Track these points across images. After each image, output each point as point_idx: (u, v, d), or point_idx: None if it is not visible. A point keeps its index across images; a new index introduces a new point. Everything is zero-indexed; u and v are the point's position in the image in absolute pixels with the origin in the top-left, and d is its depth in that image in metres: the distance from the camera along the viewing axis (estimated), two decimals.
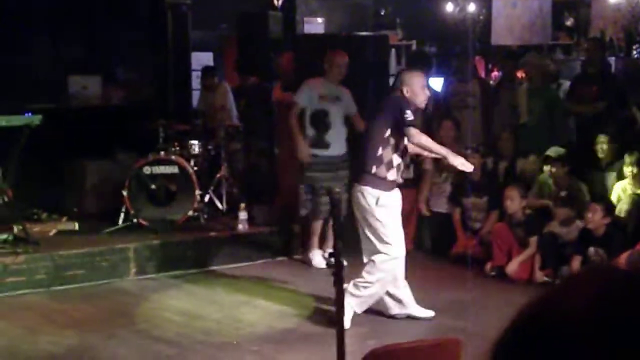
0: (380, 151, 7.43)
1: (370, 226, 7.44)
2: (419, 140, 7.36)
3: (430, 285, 8.98)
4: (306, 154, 9.51)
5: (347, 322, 7.29)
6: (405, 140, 7.44)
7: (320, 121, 9.54)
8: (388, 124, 7.39)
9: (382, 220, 7.43)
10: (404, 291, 7.79)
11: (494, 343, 1.17)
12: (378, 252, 7.42)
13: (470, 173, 9.96)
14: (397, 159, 7.49)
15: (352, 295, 7.41)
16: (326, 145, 9.56)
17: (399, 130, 7.32)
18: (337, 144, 9.58)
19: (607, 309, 1.09)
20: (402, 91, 7.50)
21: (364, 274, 7.48)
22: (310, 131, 9.57)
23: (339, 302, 4.52)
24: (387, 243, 7.42)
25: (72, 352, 7.00)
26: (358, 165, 7.71)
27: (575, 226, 9.08)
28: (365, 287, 7.49)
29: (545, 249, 9.05)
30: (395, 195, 7.59)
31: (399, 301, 7.80)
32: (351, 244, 7.14)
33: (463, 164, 7.43)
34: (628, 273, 1.18)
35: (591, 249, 8.68)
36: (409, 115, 7.26)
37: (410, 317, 7.82)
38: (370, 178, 7.44)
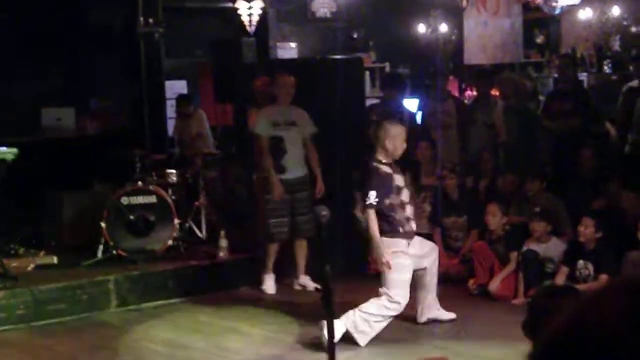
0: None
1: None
2: (367, 223, 7.73)
3: (413, 305, 8.95)
4: (278, 193, 9.55)
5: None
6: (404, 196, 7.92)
7: (277, 147, 9.57)
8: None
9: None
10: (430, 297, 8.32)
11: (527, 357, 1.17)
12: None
13: (449, 193, 10.00)
14: (400, 214, 7.85)
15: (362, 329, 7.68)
16: (282, 170, 9.58)
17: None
18: (293, 167, 9.61)
19: (637, 315, 1.11)
20: (384, 147, 7.84)
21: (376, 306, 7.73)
22: (268, 158, 9.60)
23: (330, 328, 4.49)
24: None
25: None
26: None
27: (552, 242, 9.08)
28: (376, 322, 7.74)
29: (528, 267, 9.03)
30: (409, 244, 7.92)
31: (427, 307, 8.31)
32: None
33: (382, 264, 7.71)
34: None
35: (580, 262, 8.67)
36: (371, 197, 7.65)
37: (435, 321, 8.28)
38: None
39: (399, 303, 7.68)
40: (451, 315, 8.36)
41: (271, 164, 9.53)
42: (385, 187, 7.77)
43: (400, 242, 7.79)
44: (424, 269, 8.16)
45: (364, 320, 7.62)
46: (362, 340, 7.61)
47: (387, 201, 7.77)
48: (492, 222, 9.34)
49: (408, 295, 7.77)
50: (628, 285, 1.21)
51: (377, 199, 7.67)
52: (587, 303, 1.18)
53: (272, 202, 9.61)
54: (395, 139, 7.84)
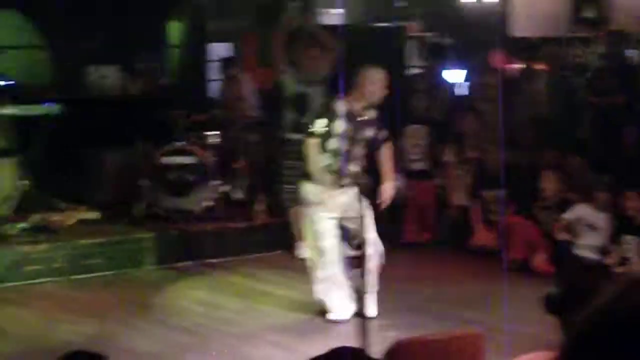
0: None
1: None
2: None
3: (448, 278, 8.97)
4: None
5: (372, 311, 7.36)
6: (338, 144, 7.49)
7: (302, 103, 9.56)
8: None
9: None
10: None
11: (566, 339, 1.17)
12: None
13: (490, 166, 9.93)
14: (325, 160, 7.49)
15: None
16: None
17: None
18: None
19: None
20: (362, 90, 7.59)
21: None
22: (290, 115, 9.56)
23: (364, 293, 4.50)
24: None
25: (91, 341, 6.97)
26: None
27: (605, 216, 8.97)
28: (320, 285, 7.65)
29: (561, 257, 8.97)
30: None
31: None
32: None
33: None
34: None
35: (627, 237, 8.61)
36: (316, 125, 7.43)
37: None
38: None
39: (318, 256, 7.51)
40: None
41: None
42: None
43: (315, 189, 7.50)
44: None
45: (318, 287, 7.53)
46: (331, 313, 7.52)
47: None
48: (547, 189, 9.26)
49: (328, 245, 7.51)
50: None
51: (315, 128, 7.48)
52: (636, 284, 1.17)
53: (287, 167, 9.61)
54: (375, 84, 7.59)
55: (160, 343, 7.09)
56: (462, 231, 10.18)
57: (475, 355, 4.57)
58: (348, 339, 6.92)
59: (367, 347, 4.66)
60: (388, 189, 7.63)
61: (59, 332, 7.33)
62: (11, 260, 8.78)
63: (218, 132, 10.87)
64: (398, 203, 10.10)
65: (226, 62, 12.57)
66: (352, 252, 8.28)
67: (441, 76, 11.25)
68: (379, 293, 7.55)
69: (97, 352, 3.39)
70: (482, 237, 9.86)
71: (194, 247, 9.68)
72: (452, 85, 11.40)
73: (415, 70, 12.44)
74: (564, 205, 9.28)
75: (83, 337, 7.15)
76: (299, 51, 9.72)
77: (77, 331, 7.34)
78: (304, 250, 9.69)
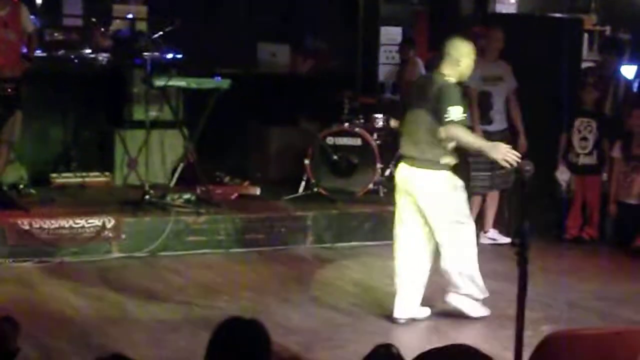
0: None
1: None
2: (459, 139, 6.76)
3: (610, 277, 8.76)
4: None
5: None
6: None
7: (484, 102, 9.55)
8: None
9: None
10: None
11: None
12: None
13: None
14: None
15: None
16: (489, 121, 9.57)
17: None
18: (498, 120, 9.64)
19: None
20: (457, 64, 6.90)
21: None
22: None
23: (522, 285, 4.42)
24: None
25: (246, 312, 7.00)
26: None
27: None
28: None
29: None
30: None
31: None
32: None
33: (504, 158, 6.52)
34: None
35: None
36: (457, 112, 6.66)
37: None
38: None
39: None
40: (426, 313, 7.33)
41: (478, 116, 9.45)
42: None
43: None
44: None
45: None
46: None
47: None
48: None
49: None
50: None
51: (465, 115, 6.78)
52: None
53: (473, 155, 9.49)
54: (469, 56, 6.98)
55: (314, 320, 7.14)
56: (626, 230, 9.90)
57: (636, 354, 4.43)
58: (501, 328, 6.86)
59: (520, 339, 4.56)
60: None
61: (216, 302, 7.47)
62: (174, 230, 8.99)
63: (384, 116, 10.87)
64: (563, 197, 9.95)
65: (403, 45, 12.58)
66: None
67: (615, 71, 10.94)
68: (535, 287, 7.40)
69: (254, 318, 3.45)
70: None
71: (353, 229, 9.71)
72: (626, 80, 11.08)
73: (589, 64, 12.15)
74: None
75: (238, 308, 7.25)
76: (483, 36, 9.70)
77: (233, 302, 7.47)
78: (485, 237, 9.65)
